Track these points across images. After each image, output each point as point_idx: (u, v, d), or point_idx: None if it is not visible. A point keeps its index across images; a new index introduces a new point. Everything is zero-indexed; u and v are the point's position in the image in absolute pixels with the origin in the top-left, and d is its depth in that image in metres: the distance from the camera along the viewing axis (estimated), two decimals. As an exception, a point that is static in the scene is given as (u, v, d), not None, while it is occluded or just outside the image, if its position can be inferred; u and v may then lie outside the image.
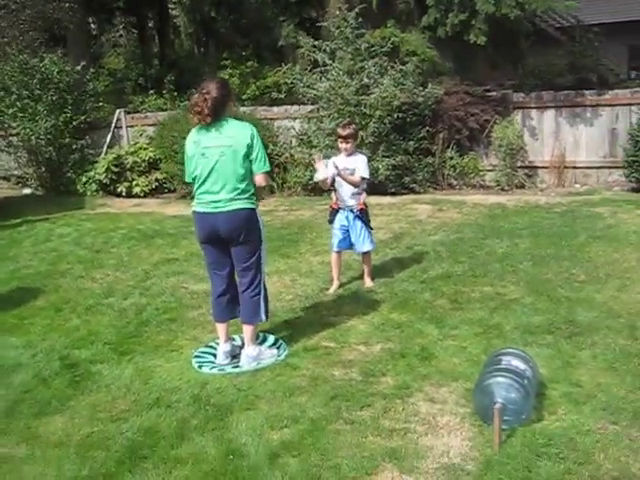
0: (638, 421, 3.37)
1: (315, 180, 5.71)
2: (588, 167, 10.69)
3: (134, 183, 11.69)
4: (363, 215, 5.76)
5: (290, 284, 6.02)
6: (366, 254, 5.89)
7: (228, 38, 16.72)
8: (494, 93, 11.02)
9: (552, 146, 10.77)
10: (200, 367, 4.34)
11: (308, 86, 10.71)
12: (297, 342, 4.62)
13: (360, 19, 10.73)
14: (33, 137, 11.64)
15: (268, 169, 4.30)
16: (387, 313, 5.13)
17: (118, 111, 12.70)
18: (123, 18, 22.56)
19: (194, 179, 4.25)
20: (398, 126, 10.46)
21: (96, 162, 12.04)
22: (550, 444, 3.18)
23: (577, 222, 7.89)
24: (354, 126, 5.86)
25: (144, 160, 11.68)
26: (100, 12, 20.01)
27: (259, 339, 4.61)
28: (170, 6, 19.03)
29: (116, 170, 11.71)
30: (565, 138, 10.72)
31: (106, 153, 12.27)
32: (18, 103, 11.69)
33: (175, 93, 13.85)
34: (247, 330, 4.42)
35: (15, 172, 13.01)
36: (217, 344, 4.53)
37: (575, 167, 10.73)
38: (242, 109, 11.14)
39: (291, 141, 11.31)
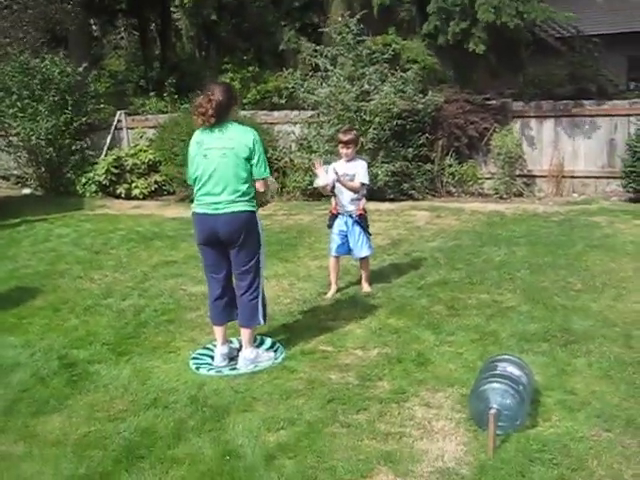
0: (631, 428, 3.40)
1: (315, 186, 5.75)
2: (586, 177, 10.75)
3: (133, 185, 11.72)
4: (362, 221, 5.80)
5: (288, 288, 6.05)
6: (364, 259, 5.92)
7: (229, 42, 16.78)
8: (494, 102, 11.09)
9: (551, 155, 10.83)
10: (198, 369, 4.36)
11: (309, 91, 10.76)
12: (294, 345, 4.65)
13: (361, 25, 10.80)
14: (33, 137, 11.67)
15: (267, 175, 4.35)
16: (384, 318, 5.16)
17: (119, 113, 12.74)
18: (125, 20, 22.64)
19: (195, 180, 4.28)
20: (398, 133, 10.51)
21: (96, 163, 12.07)
22: (544, 450, 3.21)
23: (574, 231, 7.93)
24: (355, 132, 5.91)
25: (144, 162, 11.72)
26: (102, 14, 20.08)
27: (257, 342, 4.63)
28: (172, 9, 19.08)
29: (116, 172, 11.75)
30: (564, 147, 10.78)
31: (106, 154, 12.31)
32: (19, 103, 11.72)
33: (176, 96, 13.88)
34: (245, 333, 4.45)
35: (15, 172, 13.04)
36: (215, 346, 4.56)
37: (573, 177, 10.79)
38: (242, 113, 11.18)
39: (291, 146, 11.36)
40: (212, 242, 4.29)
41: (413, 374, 4.14)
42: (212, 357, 4.50)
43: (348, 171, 5.62)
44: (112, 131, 12.67)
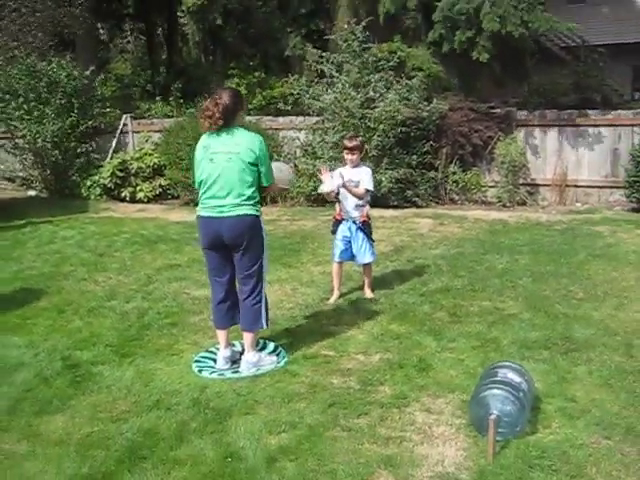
0: (631, 436, 3.42)
1: (320, 191, 5.77)
2: (590, 186, 10.78)
3: (138, 188, 11.78)
4: (365, 227, 5.83)
5: (291, 293, 6.08)
6: (367, 266, 5.95)
7: (236, 47, 16.86)
8: (498, 110, 11.14)
9: (554, 164, 10.87)
10: (200, 371, 4.39)
11: (314, 98, 10.82)
12: (297, 350, 4.68)
13: (367, 33, 10.87)
14: (39, 140, 11.74)
15: (272, 182, 4.42)
16: (386, 324, 5.18)
17: (124, 116, 12.81)
18: (132, 24, 22.77)
19: (200, 184, 4.32)
20: (402, 140, 10.57)
21: (101, 166, 12.14)
22: (543, 456, 3.23)
23: (577, 240, 7.95)
24: (361, 138, 5.97)
25: (149, 166, 11.78)
26: (109, 18, 20.21)
27: (259, 346, 4.66)
28: (179, 14, 19.19)
29: (121, 175, 11.82)
30: (567, 157, 10.82)
31: (111, 158, 12.37)
32: (25, 106, 11.80)
33: (182, 100, 13.97)
34: (247, 337, 4.47)
35: (20, 174, 13.11)
36: (217, 349, 4.59)
37: (577, 186, 10.82)
38: (247, 118, 11.23)
39: (295, 152, 11.41)
40: (216, 245, 4.33)
41: (414, 379, 4.16)
42: (215, 360, 4.52)
43: (353, 177, 5.65)
44: (118, 135, 12.75)
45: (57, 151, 11.90)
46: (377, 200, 9.79)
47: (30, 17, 14.07)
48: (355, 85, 10.62)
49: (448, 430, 3.55)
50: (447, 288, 6.07)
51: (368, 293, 5.93)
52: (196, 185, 4.42)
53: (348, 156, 5.71)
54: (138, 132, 12.79)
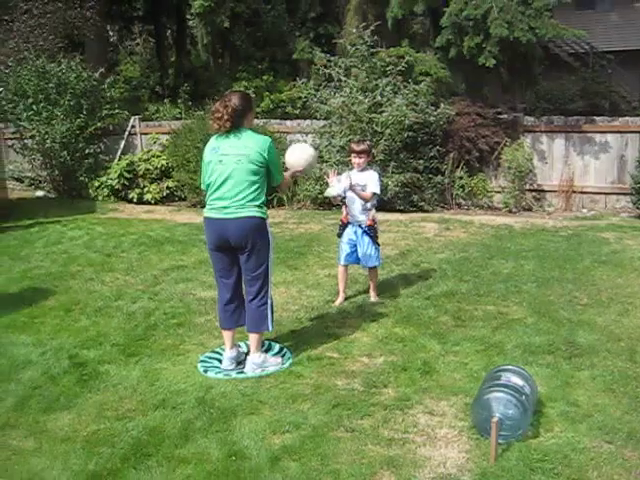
0: (632, 441, 3.44)
1: (326, 195, 5.80)
2: (596, 192, 10.78)
3: (145, 190, 11.83)
4: (371, 231, 5.86)
5: (297, 295, 6.12)
6: (372, 269, 5.98)
7: (244, 51, 16.92)
8: (505, 116, 11.17)
9: (561, 170, 10.87)
10: (206, 371, 4.43)
11: (322, 102, 10.86)
12: (302, 351, 4.71)
13: (375, 37, 10.91)
14: (48, 141, 11.81)
15: (280, 182, 4.50)
16: (391, 327, 5.21)
17: (133, 118, 12.88)
18: (141, 27, 22.89)
19: (208, 185, 4.37)
20: (409, 144, 10.60)
21: (109, 168, 12.19)
22: (545, 459, 3.25)
23: (582, 246, 7.96)
24: (369, 142, 6.00)
25: (156, 168, 11.83)
26: (119, 20, 20.33)
27: (264, 347, 4.70)
28: (188, 17, 19.28)
29: (128, 176, 11.87)
30: (574, 163, 10.82)
31: (119, 159, 12.43)
32: (34, 107, 11.87)
33: (190, 103, 14.02)
34: (253, 338, 4.51)
35: (29, 174, 13.17)
36: (223, 350, 4.63)
37: (583, 192, 10.82)
38: (255, 121, 11.27)
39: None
40: (222, 246, 4.37)
41: (418, 382, 4.19)
42: (220, 361, 4.56)
43: (360, 181, 5.69)
44: (126, 136, 12.81)
45: (65, 152, 11.96)
46: (383, 204, 9.82)
47: (41, 19, 14.18)
48: (363, 89, 10.66)
49: (451, 432, 3.58)
50: (452, 292, 6.09)
51: (373, 296, 5.96)
52: (203, 186, 4.47)
53: (355, 159, 5.75)
54: (146, 134, 12.85)
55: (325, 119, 11.09)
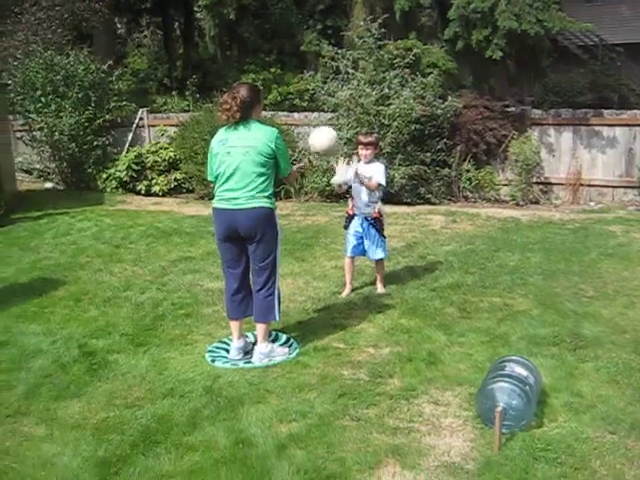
0: (635, 431, 3.47)
1: (332, 182, 5.82)
2: (604, 185, 10.77)
3: (153, 182, 11.89)
4: (377, 223, 5.88)
5: (303, 286, 6.16)
6: (379, 261, 6.01)
7: (252, 43, 16.94)
8: (513, 109, 11.15)
9: (568, 163, 10.86)
10: (213, 361, 4.48)
11: (329, 94, 10.87)
12: (308, 342, 4.76)
13: (383, 30, 10.91)
14: (56, 133, 11.87)
15: (288, 173, 4.53)
16: (397, 318, 5.25)
17: (141, 110, 12.93)
18: (149, 19, 22.91)
19: (216, 177, 4.41)
20: (416, 137, 10.60)
21: (117, 160, 12.26)
22: (548, 449, 3.29)
23: (589, 239, 7.97)
24: (376, 135, 6.03)
25: (164, 160, 11.89)
26: (127, 12, 20.36)
27: (271, 337, 4.74)
28: (195, 9, 19.29)
29: (136, 168, 11.93)
30: (582, 156, 10.81)
31: (127, 151, 12.50)
32: (43, 99, 11.93)
33: (198, 95, 14.06)
34: (260, 328, 4.56)
35: (37, 166, 13.26)
36: (230, 340, 4.67)
37: (590, 185, 10.81)
38: (263, 114, 11.29)
39: (310, 147, 11.44)
40: (231, 237, 4.41)
41: (423, 372, 4.23)
42: (228, 351, 4.61)
43: (366, 173, 5.71)
44: (134, 128, 12.87)
45: (74, 144, 12.02)
46: (390, 197, 9.86)
47: (50, 11, 14.22)
48: (370, 82, 10.66)
49: (455, 422, 3.62)
50: (458, 284, 6.12)
51: (380, 288, 6.00)
52: (210, 177, 4.51)
53: (362, 151, 5.78)
54: (154, 126, 12.90)
55: (332, 112, 11.11)
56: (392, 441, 3.41)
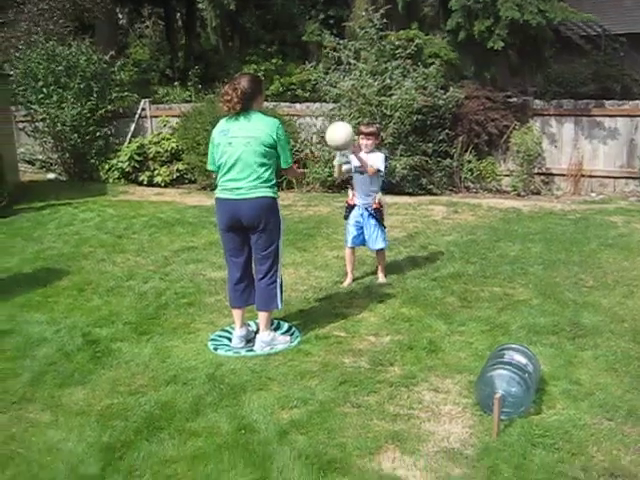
0: (632, 418, 3.51)
1: (335, 163, 5.77)
2: (605, 176, 10.78)
3: (156, 172, 11.93)
4: (377, 214, 5.92)
5: (305, 276, 6.20)
6: (380, 251, 6.05)
7: (254, 34, 16.91)
8: (514, 99, 11.16)
9: (570, 154, 10.87)
10: (216, 349, 4.53)
11: (331, 85, 10.88)
12: (310, 330, 4.81)
13: (385, 20, 10.90)
14: (59, 123, 11.89)
15: (289, 165, 4.53)
16: (398, 307, 5.29)
17: (143, 101, 12.94)
18: (151, 9, 22.86)
19: (219, 167, 4.44)
20: (418, 128, 10.62)
21: (119, 150, 12.30)
22: (546, 435, 3.34)
23: (590, 229, 8.00)
24: (377, 125, 6.05)
25: (167, 150, 11.92)
26: (128, 3, 20.31)
27: (273, 326, 4.79)
28: (197, -1, 19.26)
29: (139, 159, 11.97)
30: (583, 147, 10.82)
31: (129, 142, 12.53)
32: (44, 90, 11.94)
33: (200, 86, 14.06)
34: (262, 317, 4.61)
35: (40, 157, 13.29)
36: (233, 329, 4.72)
37: (592, 176, 10.82)
38: (265, 104, 11.31)
39: (312, 138, 11.49)
40: (234, 226, 4.45)
41: (423, 361, 4.28)
42: (230, 339, 4.66)
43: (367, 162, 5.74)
44: (136, 119, 12.89)
45: (76, 135, 12.05)
46: (392, 187, 9.90)
47: (52, 1, 14.21)
48: (372, 72, 10.67)
49: (455, 409, 3.67)
50: (459, 274, 6.16)
51: (381, 278, 6.04)
52: (210, 167, 4.55)
53: (363, 141, 5.81)
54: (156, 117, 12.92)
55: (334, 102, 11.11)
56: (392, 427, 3.46)
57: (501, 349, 3.90)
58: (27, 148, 13.32)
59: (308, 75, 11.81)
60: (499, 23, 10.14)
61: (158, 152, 11.93)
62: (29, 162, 13.57)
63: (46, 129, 12.28)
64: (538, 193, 10.91)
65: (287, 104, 12.26)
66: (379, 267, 6.10)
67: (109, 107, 12.45)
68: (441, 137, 10.72)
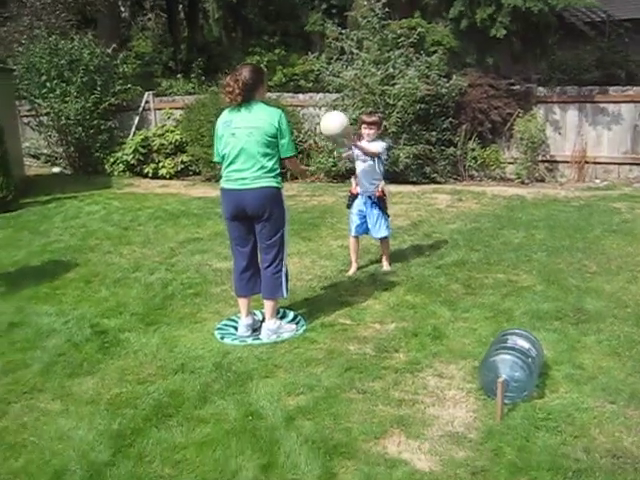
0: (635, 401, 3.56)
1: (336, 153, 5.84)
2: (609, 163, 10.76)
3: (160, 165, 11.97)
4: (380, 202, 5.95)
5: (310, 265, 6.25)
6: (384, 239, 6.08)
7: (256, 25, 16.90)
8: (517, 87, 11.14)
9: (574, 141, 10.86)
10: (222, 338, 4.58)
11: (334, 75, 10.89)
12: (315, 318, 4.86)
13: (387, 9, 10.89)
14: (63, 117, 11.94)
15: (292, 154, 4.55)
16: (402, 295, 5.33)
17: (147, 94, 12.97)
18: (153, 2, 22.84)
19: (223, 158, 4.48)
20: (421, 116, 10.62)
21: (124, 143, 12.34)
22: (549, 418, 3.38)
23: (594, 216, 8.01)
24: (380, 115, 6.08)
25: (171, 143, 11.96)
26: (131, -5, 20.31)
27: (279, 314, 4.84)
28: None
29: (143, 152, 12.01)
30: (587, 133, 10.80)
31: (134, 135, 12.57)
32: (48, 84, 11.98)
33: (203, 78, 14.08)
34: (268, 305, 4.66)
35: (45, 151, 13.35)
36: (239, 318, 4.77)
37: (596, 162, 10.80)
38: (268, 95, 11.33)
39: (316, 128, 11.49)
40: (239, 216, 4.49)
41: (428, 347, 4.32)
42: (236, 328, 4.71)
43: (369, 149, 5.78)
44: (140, 112, 12.93)
45: (80, 128, 12.10)
46: (396, 176, 9.92)
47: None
48: (375, 62, 10.67)
49: (459, 394, 3.71)
50: (463, 261, 6.19)
51: (385, 266, 6.07)
52: (216, 159, 4.59)
53: (365, 130, 5.84)
54: (160, 109, 12.96)
55: (338, 92, 11.12)
56: (397, 412, 3.51)
57: (504, 334, 3.93)
58: (32, 142, 13.38)
59: (311, 65, 11.81)
60: (501, 10, 10.13)
61: (162, 144, 11.97)
62: (34, 156, 13.64)
63: (50, 123, 12.33)
64: (542, 180, 10.91)
65: (290, 95, 12.27)
66: (383, 255, 6.13)
67: (113, 100, 12.48)
68: (444, 125, 10.73)
